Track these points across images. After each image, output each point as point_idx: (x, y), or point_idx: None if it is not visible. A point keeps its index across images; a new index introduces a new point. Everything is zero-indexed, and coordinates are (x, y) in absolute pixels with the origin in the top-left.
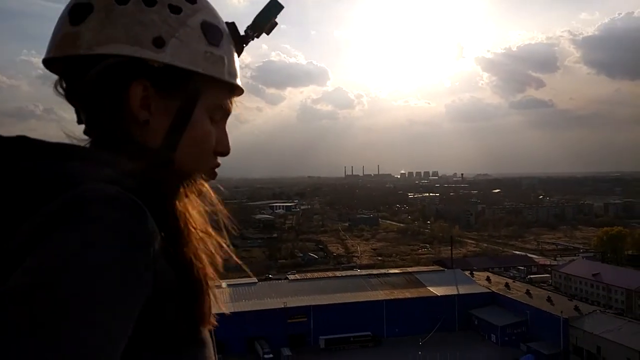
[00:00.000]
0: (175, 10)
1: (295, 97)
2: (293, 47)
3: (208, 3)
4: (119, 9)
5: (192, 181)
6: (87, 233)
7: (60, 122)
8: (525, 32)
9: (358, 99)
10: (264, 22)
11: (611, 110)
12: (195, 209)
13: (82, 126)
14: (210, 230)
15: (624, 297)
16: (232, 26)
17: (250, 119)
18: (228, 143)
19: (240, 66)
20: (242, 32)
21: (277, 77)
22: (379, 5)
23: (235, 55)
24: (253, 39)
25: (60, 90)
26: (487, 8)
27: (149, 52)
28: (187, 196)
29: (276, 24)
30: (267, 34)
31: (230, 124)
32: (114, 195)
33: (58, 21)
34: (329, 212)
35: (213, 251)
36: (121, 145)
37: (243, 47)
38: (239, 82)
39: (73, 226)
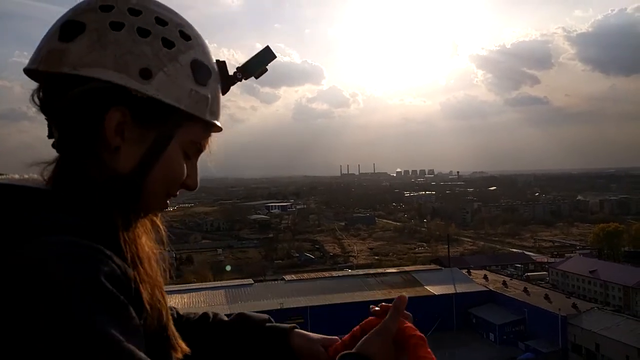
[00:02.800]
0: (168, 44)
1: (290, 96)
2: (287, 46)
3: (202, 41)
4: (111, 34)
5: (151, 210)
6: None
7: None
8: (520, 29)
9: (353, 97)
10: (256, 68)
11: (606, 107)
12: (144, 233)
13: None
14: (155, 252)
15: (622, 294)
16: (222, 65)
17: (245, 118)
18: (197, 179)
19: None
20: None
21: (272, 76)
22: (373, 4)
23: (220, 94)
24: (241, 81)
25: (36, 100)
26: (481, 5)
27: (135, 82)
28: (138, 223)
29: (266, 70)
30: (256, 78)
31: (225, 123)
32: (67, 251)
33: (47, 34)
34: (325, 212)
35: (160, 272)
36: (89, 168)
37: (229, 87)
38: (218, 122)
39: (38, 301)
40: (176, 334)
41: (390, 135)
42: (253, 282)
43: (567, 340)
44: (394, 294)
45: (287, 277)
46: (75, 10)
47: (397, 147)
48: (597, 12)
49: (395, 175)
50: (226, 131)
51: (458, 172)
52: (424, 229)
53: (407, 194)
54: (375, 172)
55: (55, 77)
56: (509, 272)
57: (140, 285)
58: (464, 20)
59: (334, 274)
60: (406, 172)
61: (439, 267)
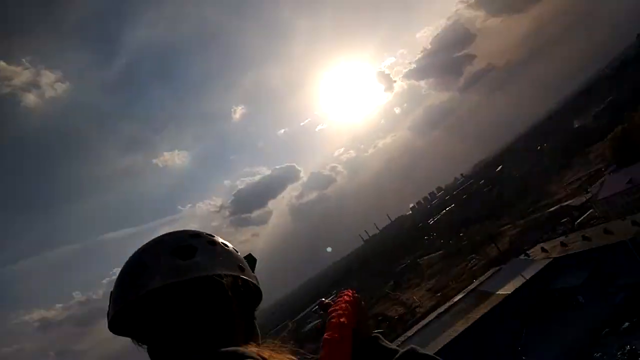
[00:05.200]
0: (235, 251)
1: (279, 205)
2: (252, 166)
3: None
4: (213, 249)
5: None
6: None
7: None
8: (428, 28)
9: (334, 170)
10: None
11: (541, 41)
12: None
13: None
14: None
15: None
16: None
17: (251, 249)
18: None
19: (216, 211)
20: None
21: (254, 199)
22: (314, 90)
23: None
24: None
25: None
26: (388, 28)
27: (241, 273)
28: None
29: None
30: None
31: None
32: None
33: (153, 262)
34: (369, 283)
35: None
36: (222, 343)
37: None
38: None
39: None
40: None
41: (385, 180)
42: None
43: None
44: (473, 317)
45: None
46: (175, 240)
47: (396, 187)
48: None
49: (411, 212)
50: None
51: (461, 173)
52: (464, 242)
53: (430, 221)
54: (393, 221)
55: (185, 283)
56: (560, 231)
57: None
58: (383, 51)
59: (408, 333)
60: (419, 203)
61: (498, 267)
